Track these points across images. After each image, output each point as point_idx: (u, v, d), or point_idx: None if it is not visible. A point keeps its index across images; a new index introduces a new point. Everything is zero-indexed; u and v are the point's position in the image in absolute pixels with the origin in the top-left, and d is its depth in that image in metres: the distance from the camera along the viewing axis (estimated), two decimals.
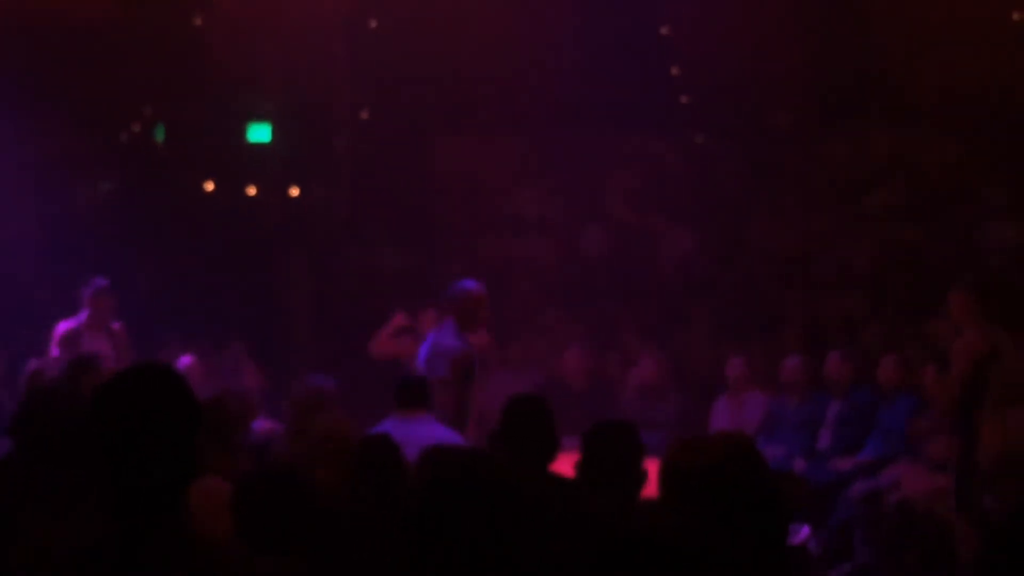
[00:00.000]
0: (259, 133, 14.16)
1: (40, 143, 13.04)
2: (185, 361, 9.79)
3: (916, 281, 11.53)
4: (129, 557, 2.34)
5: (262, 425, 8.34)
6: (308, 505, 4.06)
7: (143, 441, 2.38)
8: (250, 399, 6.97)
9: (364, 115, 14.33)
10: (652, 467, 4.06)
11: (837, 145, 12.05)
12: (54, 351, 8.91)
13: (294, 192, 14.63)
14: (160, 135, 14.53)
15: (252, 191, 14.33)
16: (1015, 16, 12.51)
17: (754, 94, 12.72)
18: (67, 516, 3.63)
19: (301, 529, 4.01)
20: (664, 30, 13.05)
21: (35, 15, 12.58)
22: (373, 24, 13.67)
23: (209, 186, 14.26)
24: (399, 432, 6.08)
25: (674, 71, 13.27)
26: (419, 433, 6.25)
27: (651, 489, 4.15)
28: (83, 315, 9.07)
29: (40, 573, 3.16)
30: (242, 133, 14.08)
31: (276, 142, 14.17)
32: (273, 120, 14.15)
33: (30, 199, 13.64)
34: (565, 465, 6.85)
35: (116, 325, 9.21)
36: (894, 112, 11.95)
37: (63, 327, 9.01)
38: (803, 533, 8.07)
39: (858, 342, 10.63)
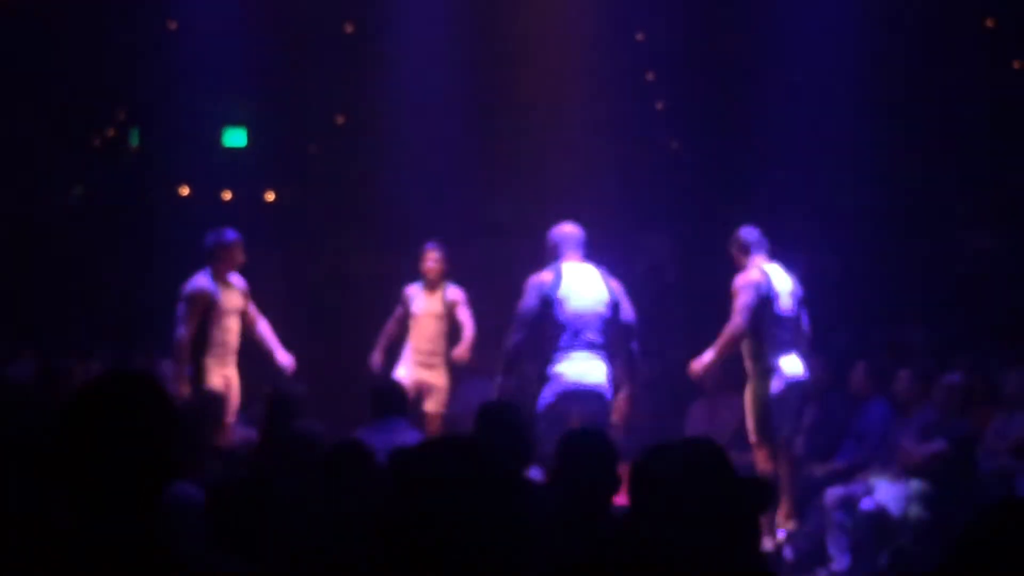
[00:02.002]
0: (234, 138, 14.15)
1: (12, 146, 12.99)
2: (166, 367, 9.74)
3: (886, 287, 11.59)
4: (100, 561, 2.33)
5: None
6: (280, 511, 4.05)
7: (118, 446, 2.37)
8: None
9: (339, 120, 14.32)
10: (626, 472, 4.06)
11: (810, 150, 12.09)
12: (181, 309, 8.23)
13: (269, 197, 14.61)
14: (135, 139, 14.49)
15: (227, 196, 14.30)
16: (988, 23, 12.59)
17: (728, 100, 12.77)
18: (37, 521, 3.62)
19: (273, 535, 4.00)
20: (639, 36, 13.09)
21: (7, 17, 12.53)
22: (349, 29, 13.67)
23: (184, 191, 14.22)
24: (374, 439, 6.07)
25: (649, 77, 13.31)
26: (394, 440, 6.25)
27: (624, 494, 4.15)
28: (208, 269, 8.38)
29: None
30: (217, 137, 14.05)
31: (251, 146, 14.14)
32: (248, 125, 14.13)
33: (2, 203, 13.58)
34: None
35: (235, 278, 8.55)
36: (866, 118, 12.00)
37: (201, 285, 8.31)
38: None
39: (829, 348, 10.66)
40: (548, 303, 7.41)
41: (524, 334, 7.46)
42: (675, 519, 2.72)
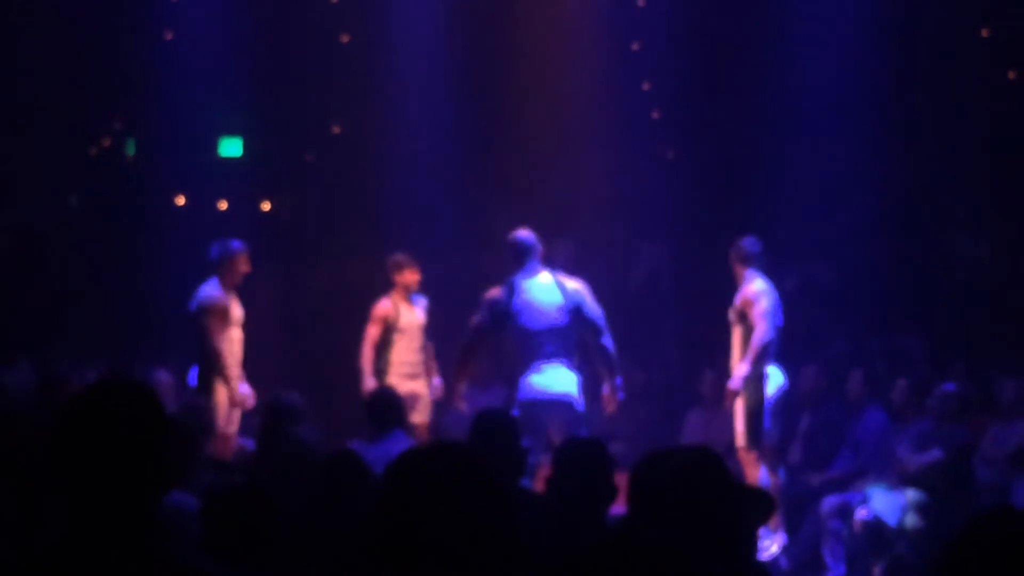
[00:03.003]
0: (230, 147, 14.14)
1: (9, 155, 12.99)
2: (161, 376, 9.73)
3: (883, 295, 11.59)
4: (93, 571, 2.33)
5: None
6: (274, 520, 4.05)
7: (111, 456, 2.36)
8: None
9: (335, 129, 14.32)
10: (622, 481, 4.05)
11: (805, 159, 12.10)
12: (202, 322, 8.20)
13: (266, 206, 14.61)
14: (131, 149, 14.49)
15: (223, 205, 14.29)
16: (984, 33, 12.61)
17: (724, 110, 12.78)
18: (31, 530, 3.62)
19: (267, 544, 4.00)
20: (635, 46, 13.10)
21: (3, 28, 12.54)
22: (345, 39, 13.67)
23: (180, 200, 14.22)
24: (372, 452, 6.06)
25: (645, 86, 13.32)
26: (394, 452, 6.22)
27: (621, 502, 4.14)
28: (216, 279, 8.39)
29: None
30: (213, 147, 14.05)
31: (247, 156, 14.14)
32: (244, 134, 14.13)
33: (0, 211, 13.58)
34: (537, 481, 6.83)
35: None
36: (862, 127, 12.01)
37: (215, 294, 8.33)
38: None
39: (826, 356, 10.67)
40: (502, 318, 7.50)
41: (470, 347, 7.68)
42: (674, 527, 2.70)
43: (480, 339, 7.64)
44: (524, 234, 7.78)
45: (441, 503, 2.34)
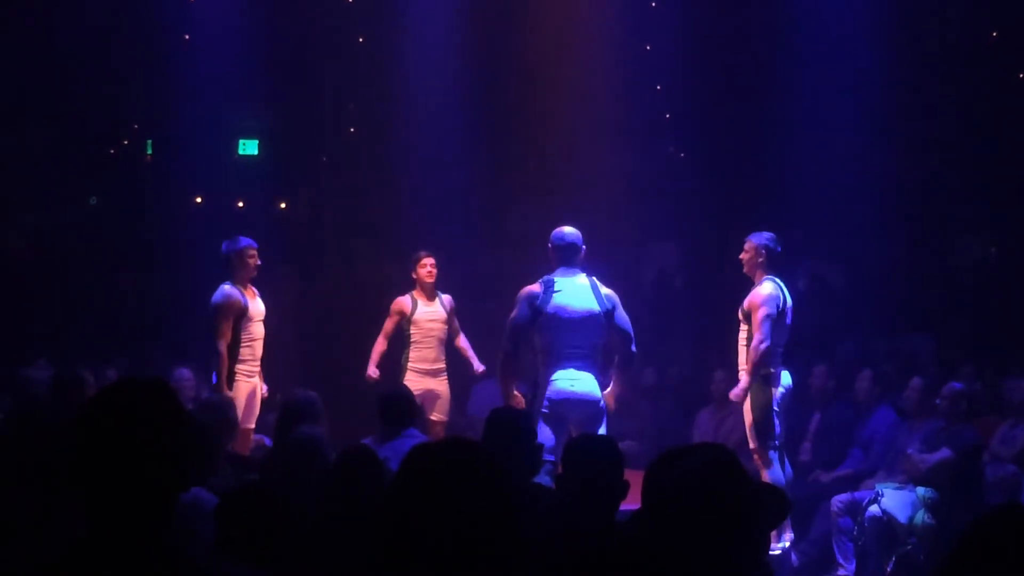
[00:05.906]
0: (247, 147, 14.24)
1: (29, 157, 13.09)
2: (182, 373, 9.80)
3: (891, 296, 11.62)
4: (111, 569, 2.35)
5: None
6: (289, 518, 4.09)
7: (130, 454, 2.38)
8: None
9: (351, 130, 14.41)
10: (632, 478, 4.09)
11: (816, 160, 12.14)
12: (214, 321, 8.27)
13: (282, 206, 14.71)
14: (149, 149, 14.60)
15: (240, 204, 14.39)
16: (993, 34, 12.64)
17: (734, 111, 12.82)
18: (50, 528, 3.65)
19: (282, 541, 4.04)
20: (648, 47, 13.15)
21: (23, 31, 12.64)
22: (360, 40, 13.76)
23: (198, 199, 14.33)
24: (383, 449, 6.11)
25: (658, 87, 13.36)
26: (404, 450, 6.25)
27: (631, 500, 4.18)
28: (230, 278, 8.45)
29: None
30: (230, 147, 14.15)
31: (264, 156, 14.23)
32: (261, 135, 14.22)
33: (19, 213, 13.68)
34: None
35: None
36: (872, 128, 12.05)
37: (228, 293, 8.38)
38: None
39: (835, 356, 10.70)
40: (538, 314, 7.50)
41: (514, 343, 7.59)
42: (688, 526, 2.67)
43: (519, 335, 7.56)
44: (567, 232, 7.75)
45: (444, 499, 2.35)
